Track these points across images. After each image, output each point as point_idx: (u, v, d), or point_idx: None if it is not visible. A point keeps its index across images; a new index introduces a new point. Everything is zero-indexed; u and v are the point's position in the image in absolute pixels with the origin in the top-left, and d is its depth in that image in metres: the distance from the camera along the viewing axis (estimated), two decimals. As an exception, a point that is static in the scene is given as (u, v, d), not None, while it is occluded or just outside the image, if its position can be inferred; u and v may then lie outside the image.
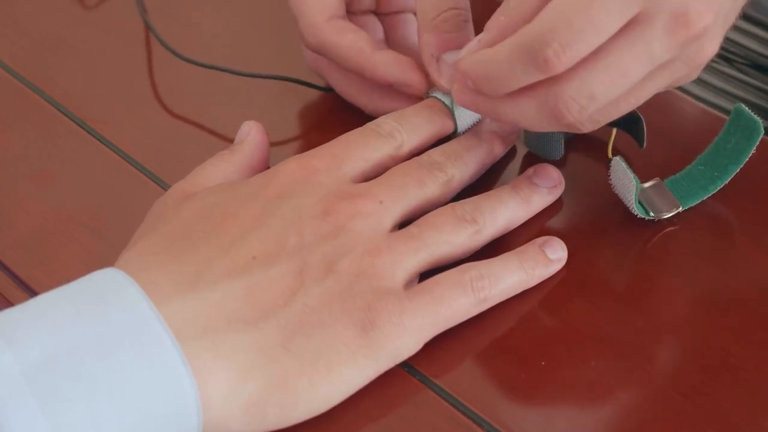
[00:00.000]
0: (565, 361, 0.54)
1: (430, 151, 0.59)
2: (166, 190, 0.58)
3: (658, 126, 0.63)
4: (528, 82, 0.52)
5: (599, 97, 0.52)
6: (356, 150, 0.57)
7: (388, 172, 0.57)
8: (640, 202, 0.59)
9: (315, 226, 0.54)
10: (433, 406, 0.53)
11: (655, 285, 0.57)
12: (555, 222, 0.60)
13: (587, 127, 0.53)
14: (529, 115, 0.53)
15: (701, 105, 0.67)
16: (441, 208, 0.57)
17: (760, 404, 0.52)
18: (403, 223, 0.56)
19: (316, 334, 0.51)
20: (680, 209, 0.59)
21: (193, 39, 0.71)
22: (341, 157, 0.57)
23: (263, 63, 0.69)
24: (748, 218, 0.60)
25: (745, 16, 0.81)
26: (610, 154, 0.62)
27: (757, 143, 0.59)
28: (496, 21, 0.54)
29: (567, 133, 0.62)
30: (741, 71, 0.81)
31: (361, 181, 0.57)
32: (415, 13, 0.67)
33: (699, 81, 0.81)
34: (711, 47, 0.53)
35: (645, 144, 0.61)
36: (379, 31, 0.67)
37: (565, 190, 0.60)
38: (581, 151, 0.63)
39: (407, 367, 0.54)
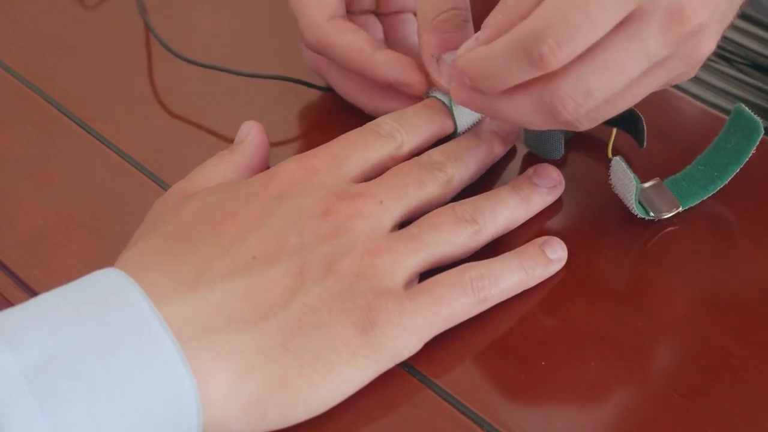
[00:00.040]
0: (565, 361, 0.54)
1: (430, 151, 0.59)
2: (166, 190, 0.58)
3: (658, 126, 0.63)
4: (524, 79, 0.52)
5: (595, 94, 0.52)
6: (356, 150, 0.57)
7: (388, 172, 0.57)
8: (640, 202, 0.59)
9: (315, 226, 0.54)
10: (433, 406, 0.53)
11: (655, 285, 0.57)
12: (555, 222, 0.60)
13: (585, 125, 0.53)
14: (525, 113, 0.53)
15: (701, 105, 0.67)
16: (441, 208, 0.57)
17: (760, 404, 0.52)
18: (403, 223, 0.56)
19: (316, 334, 0.51)
20: (680, 209, 0.59)
21: (193, 39, 0.71)
22: (341, 157, 0.57)
23: (263, 63, 0.69)
24: (748, 218, 0.60)
25: (745, 16, 0.81)
26: (610, 154, 0.62)
27: (757, 143, 0.59)
28: (494, 19, 0.54)
29: (567, 132, 0.62)
30: (741, 71, 0.81)
31: (361, 181, 0.57)
32: (414, 14, 0.67)
33: (699, 81, 0.81)
34: (708, 45, 0.53)
35: (645, 144, 0.61)
36: (378, 31, 0.67)
37: (565, 190, 0.60)
38: (581, 151, 0.63)
39: (407, 367, 0.54)
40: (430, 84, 0.61)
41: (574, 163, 0.63)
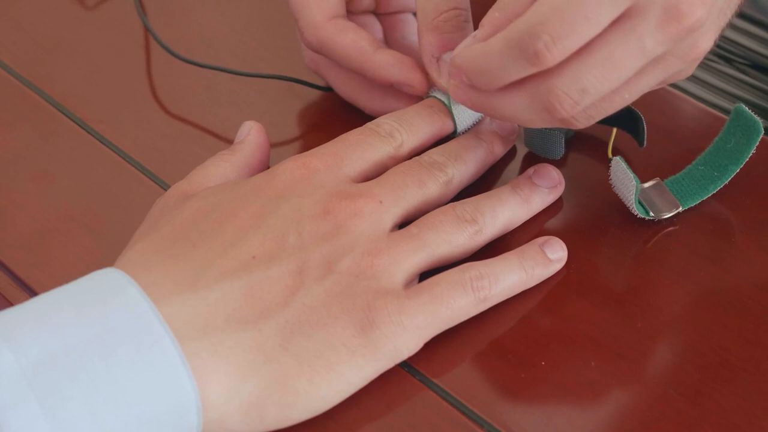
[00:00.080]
0: (565, 361, 0.54)
1: (430, 151, 0.59)
2: (166, 190, 0.58)
3: (658, 126, 0.63)
4: (520, 76, 0.52)
5: (591, 92, 0.51)
6: (356, 150, 0.57)
7: (388, 172, 0.57)
8: (640, 202, 0.59)
9: (315, 225, 0.54)
10: (433, 406, 0.53)
11: (655, 285, 0.57)
12: (555, 222, 0.60)
13: (582, 123, 0.53)
14: (522, 110, 0.53)
15: (701, 105, 0.67)
16: (441, 208, 0.57)
17: (760, 404, 0.52)
18: (404, 223, 0.56)
19: (316, 334, 0.51)
20: (680, 209, 0.59)
21: (193, 39, 0.71)
22: (341, 156, 0.57)
23: (263, 63, 0.69)
24: (747, 218, 0.60)
25: (745, 16, 0.81)
26: (610, 154, 0.62)
27: (757, 143, 0.59)
28: (491, 17, 0.54)
29: (567, 132, 0.62)
30: (741, 71, 0.82)
31: (361, 181, 0.57)
32: (414, 14, 0.67)
33: (699, 81, 0.81)
34: (705, 42, 0.53)
35: (645, 143, 0.61)
36: (378, 31, 0.67)
37: (565, 190, 0.60)
38: (581, 151, 0.63)
39: (407, 367, 0.54)
40: (431, 84, 0.61)
41: (574, 163, 0.63)
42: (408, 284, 0.54)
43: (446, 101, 0.61)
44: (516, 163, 0.63)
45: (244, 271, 0.51)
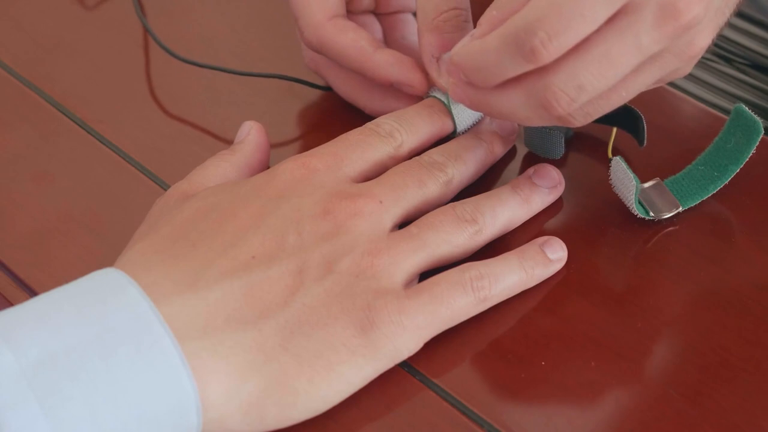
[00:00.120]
0: (565, 361, 0.54)
1: (430, 150, 0.59)
2: (166, 190, 0.58)
3: (658, 126, 0.63)
4: (517, 73, 0.52)
5: (588, 89, 0.51)
6: (356, 150, 0.57)
7: (388, 172, 0.57)
8: (640, 202, 0.59)
9: (314, 225, 0.54)
10: (433, 406, 0.53)
11: (655, 285, 0.57)
12: (555, 222, 0.60)
13: (579, 121, 0.53)
14: (519, 108, 0.53)
15: (701, 105, 0.67)
16: (441, 208, 0.57)
17: (760, 404, 0.52)
18: (404, 223, 0.56)
19: (316, 334, 0.51)
20: (680, 209, 0.59)
21: (193, 39, 0.71)
22: (341, 156, 0.57)
23: (263, 63, 0.69)
24: (747, 218, 0.60)
25: (745, 16, 0.81)
26: (610, 154, 0.62)
27: (757, 143, 0.59)
28: (489, 16, 0.54)
29: (567, 132, 0.62)
30: (741, 71, 0.82)
31: (361, 181, 0.57)
32: (413, 14, 0.67)
33: (699, 81, 0.81)
34: (702, 40, 0.53)
35: (645, 142, 0.61)
36: (377, 31, 0.67)
37: (565, 190, 0.60)
38: (581, 151, 0.63)
39: (407, 367, 0.54)
40: (431, 84, 0.61)
41: (574, 163, 0.63)
42: (408, 284, 0.54)
43: (446, 101, 0.61)
44: (516, 163, 0.63)
45: (244, 271, 0.51)
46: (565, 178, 0.60)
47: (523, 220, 0.59)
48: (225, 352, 0.49)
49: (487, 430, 0.52)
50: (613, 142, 0.62)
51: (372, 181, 0.57)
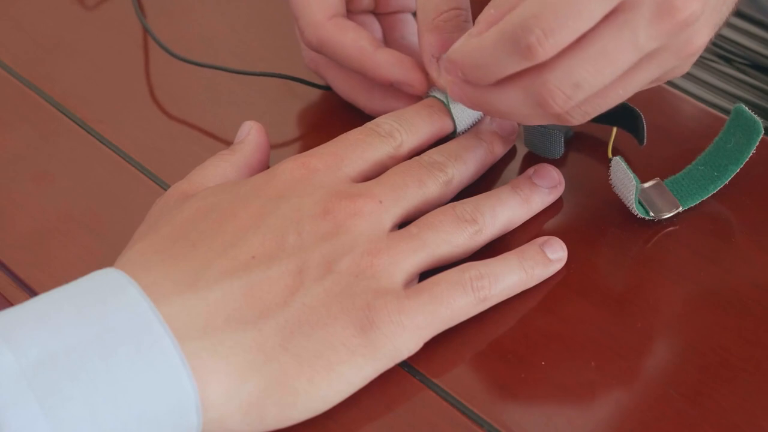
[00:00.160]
0: (565, 361, 0.54)
1: (430, 150, 0.59)
2: (166, 190, 0.58)
3: (658, 126, 0.63)
4: (513, 70, 0.52)
5: (584, 87, 0.51)
6: (356, 150, 0.57)
7: (387, 172, 0.57)
8: (640, 202, 0.59)
9: (314, 225, 0.54)
10: (433, 406, 0.53)
11: (655, 285, 0.57)
12: (555, 222, 0.60)
13: (576, 119, 0.53)
14: (517, 106, 0.53)
15: (701, 105, 0.67)
16: (441, 207, 0.57)
17: (760, 404, 0.52)
18: (403, 223, 0.56)
19: (315, 334, 0.51)
20: (680, 209, 0.59)
21: (193, 39, 0.71)
22: (341, 156, 0.57)
23: (263, 63, 0.69)
24: (747, 218, 0.60)
25: (745, 16, 0.81)
26: (610, 154, 0.62)
27: (757, 143, 0.59)
28: (487, 14, 0.54)
29: (567, 132, 0.62)
30: (741, 71, 0.81)
31: (361, 181, 0.57)
32: (413, 13, 0.67)
33: (699, 81, 0.81)
34: (700, 38, 0.52)
35: (645, 142, 0.61)
36: (377, 30, 0.67)
37: (565, 190, 0.60)
38: (581, 151, 0.63)
39: (407, 367, 0.54)
40: (431, 84, 0.61)
41: (574, 163, 0.63)
42: (408, 284, 0.54)
43: (446, 101, 0.61)
44: (516, 163, 0.63)
45: (243, 271, 0.51)
46: (565, 178, 0.60)
47: (523, 220, 0.59)
48: (225, 352, 0.49)
49: (487, 430, 0.52)
50: (613, 142, 0.62)
51: (372, 181, 0.57)
